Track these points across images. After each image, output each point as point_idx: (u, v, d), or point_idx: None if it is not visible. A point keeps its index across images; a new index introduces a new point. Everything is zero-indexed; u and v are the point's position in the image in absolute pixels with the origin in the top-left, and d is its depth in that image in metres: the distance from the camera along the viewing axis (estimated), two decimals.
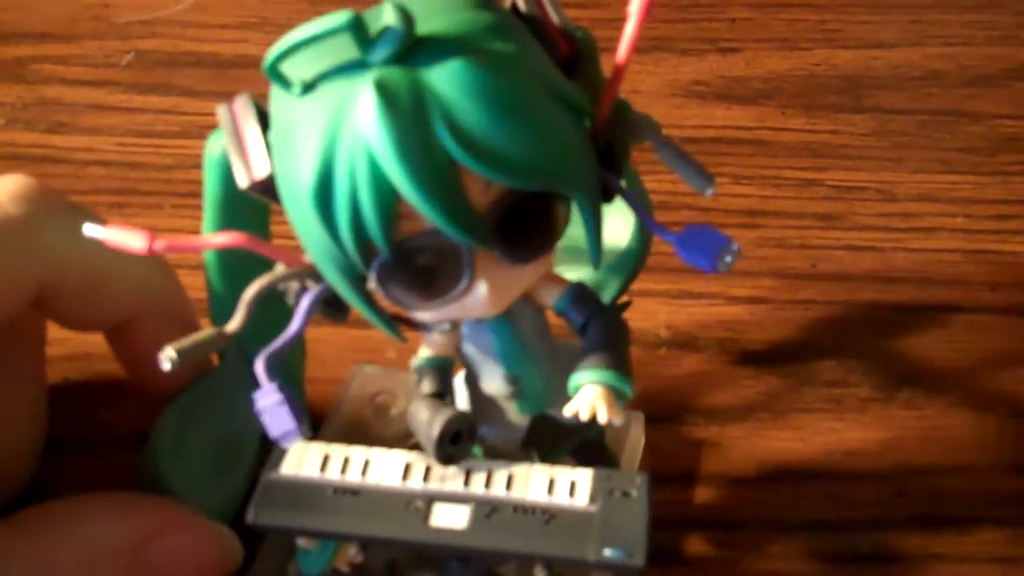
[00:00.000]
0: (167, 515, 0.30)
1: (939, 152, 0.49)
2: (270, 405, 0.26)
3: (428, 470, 0.29)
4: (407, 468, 0.29)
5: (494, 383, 0.29)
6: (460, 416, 0.27)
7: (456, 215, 0.23)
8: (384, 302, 0.26)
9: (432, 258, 0.25)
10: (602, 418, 0.26)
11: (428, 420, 0.27)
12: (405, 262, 0.25)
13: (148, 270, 0.33)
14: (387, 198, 0.23)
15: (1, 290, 0.29)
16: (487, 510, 0.28)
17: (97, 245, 0.31)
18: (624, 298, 0.33)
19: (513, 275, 0.26)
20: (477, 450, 0.31)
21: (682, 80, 0.54)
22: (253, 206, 0.27)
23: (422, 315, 0.27)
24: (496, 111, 0.23)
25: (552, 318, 0.29)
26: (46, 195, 0.31)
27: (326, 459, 0.29)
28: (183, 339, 0.26)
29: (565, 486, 0.28)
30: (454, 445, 0.27)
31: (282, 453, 0.29)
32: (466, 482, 0.28)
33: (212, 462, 0.33)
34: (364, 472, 0.29)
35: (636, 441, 0.34)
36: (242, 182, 0.26)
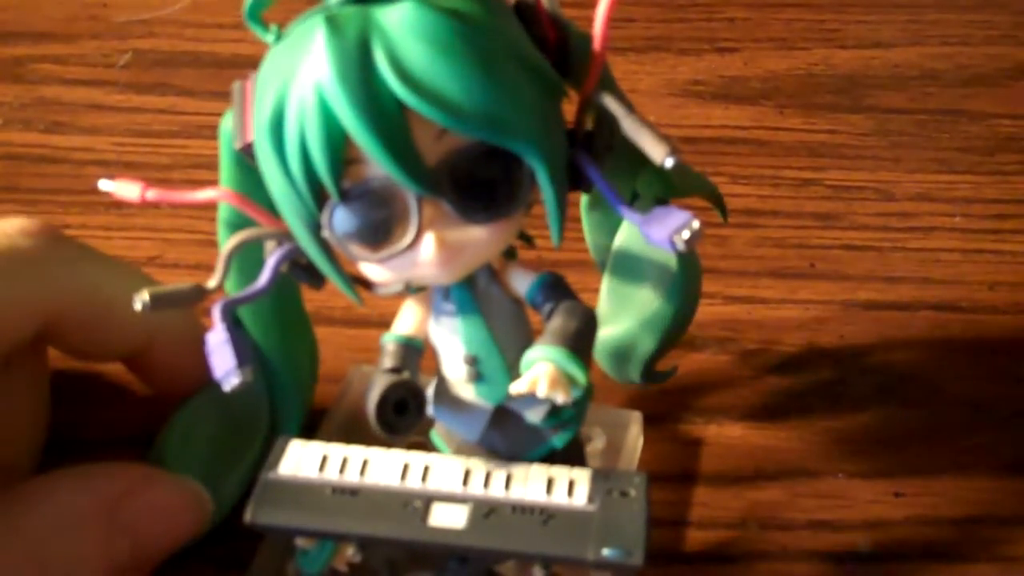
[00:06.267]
0: (133, 475, 0.31)
1: (937, 152, 0.49)
2: (217, 344, 0.27)
3: (427, 470, 0.29)
4: (405, 468, 0.29)
5: (453, 364, 0.29)
6: (402, 383, 0.27)
7: (399, 155, 0.24)
8: (347, 264, 0.26)
9: (382, 207, 0.25)
10: (540, 392, 0.26)
11: (370, 386, 0.27)
12: (356, 209, 0.25)
13: None
14: (334, 136, 0.24)
15: (7, 319, 0.30)
16: (485, 510, 0.28)
17: (104, 278, 0.32)
18: (667, 364, 0.32)
19: (465, 236, 0.25)
20: (442, 445, 0.30)
21: (680, 80, 0.54)
22: (262, 181, 0.27)
23: (375, 273, 0.26)
24: (441, 52, 0.23)
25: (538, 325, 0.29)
26: (53, 232, 0.32)
27: (324, 459, 0.29)
28: (160, 286, 0.26)
29: (563, 486, 0.28)
30: (399, 415, 0.27)
31: (281, 453, 0.29)
32: (464, 482, 0.28)
33: (217, 459, 0.33)
34: (362, 472, 0.29)
35: (634, 440, 0.34)
36: (236, 144, 0.26)
